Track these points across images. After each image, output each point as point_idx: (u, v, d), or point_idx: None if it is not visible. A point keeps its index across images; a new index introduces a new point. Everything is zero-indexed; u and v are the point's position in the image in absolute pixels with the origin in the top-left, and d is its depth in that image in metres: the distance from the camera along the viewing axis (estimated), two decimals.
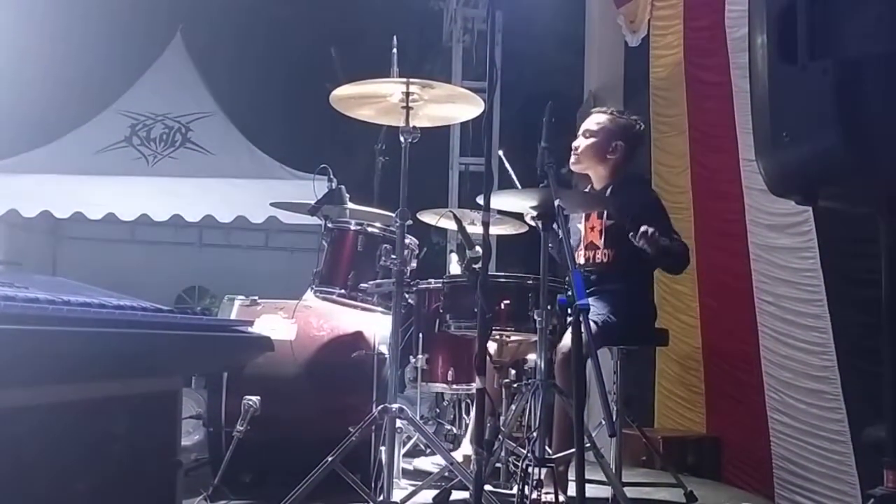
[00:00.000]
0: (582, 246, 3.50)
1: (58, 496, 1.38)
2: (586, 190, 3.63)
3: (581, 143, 3.55)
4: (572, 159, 3.57)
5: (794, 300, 3.47)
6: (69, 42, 7.68)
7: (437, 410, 4.53)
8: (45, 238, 8.59)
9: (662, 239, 3.15)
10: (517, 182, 3.46)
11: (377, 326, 3.48)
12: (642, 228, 3.09)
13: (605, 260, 3.41)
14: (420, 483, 3.09)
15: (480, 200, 2.52)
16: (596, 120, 3.57)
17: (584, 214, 3.51)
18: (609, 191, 3.49)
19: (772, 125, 1.88)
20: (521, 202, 3.02)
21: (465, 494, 3.02)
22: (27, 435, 1.28)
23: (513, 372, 3.41)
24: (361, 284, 3.28)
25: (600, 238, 3.42)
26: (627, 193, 3.43)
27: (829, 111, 1.72)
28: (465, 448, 3.56)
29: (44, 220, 7.25)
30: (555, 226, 2.86)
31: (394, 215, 3.07)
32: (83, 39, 7.84)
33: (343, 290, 3.32)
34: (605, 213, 3.40)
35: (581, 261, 3.48)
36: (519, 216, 3.48)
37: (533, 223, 3.03)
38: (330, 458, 2.79)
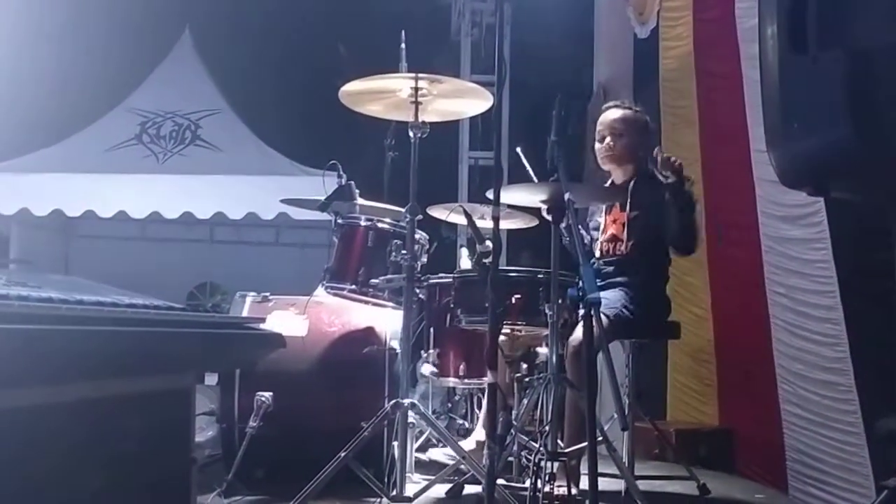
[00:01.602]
0: (601, 238, 3.50)
1: (73, 493, 1.39)
2: (606, 185, 3.60)
3: (615, 142, 3.48)
4: (604, 160, 3.53)
5: (807, 291, 3.45)
6: (78, 41, 7.70)
7: (449, 405, 4.54)
8: (56, 236, 8.64)
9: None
10: (535, 178, 3.42)
11: (388, 322, 3.48)
12: (663, 155, 3.13)
13: (625, 251, 3.40)
14: (433, 477, 3.10)
15: (490, 195, 2.52)
16: (620, 118, 3.51)
17: (605, 207, 3.50)
18: (633, 184, 3.46)
19: (782, 116, 1.87)
20: (531, 196, 3.01)
21: (478, 488, 3.03)
22: (41, 433, 1.28)
23: (524, 366, 3.41)
24: (372, 280, 3.30)
25: (623, 230, 3.41)
26: (650, 186, 3.40)
27: (840, 102, 1.71)
28: (478, 434, 3.57)
29: (55, 219, 7.28)
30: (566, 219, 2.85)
31: (404, 210, 3.08)
32: (91, 38, 7.85)
33: (354, 286, 3.33)
34: (629, 205, 3.39)
35: (598, 253, 3.47)
36: (530, 210, 3.47)
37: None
38: (343, 454, 2.79)
